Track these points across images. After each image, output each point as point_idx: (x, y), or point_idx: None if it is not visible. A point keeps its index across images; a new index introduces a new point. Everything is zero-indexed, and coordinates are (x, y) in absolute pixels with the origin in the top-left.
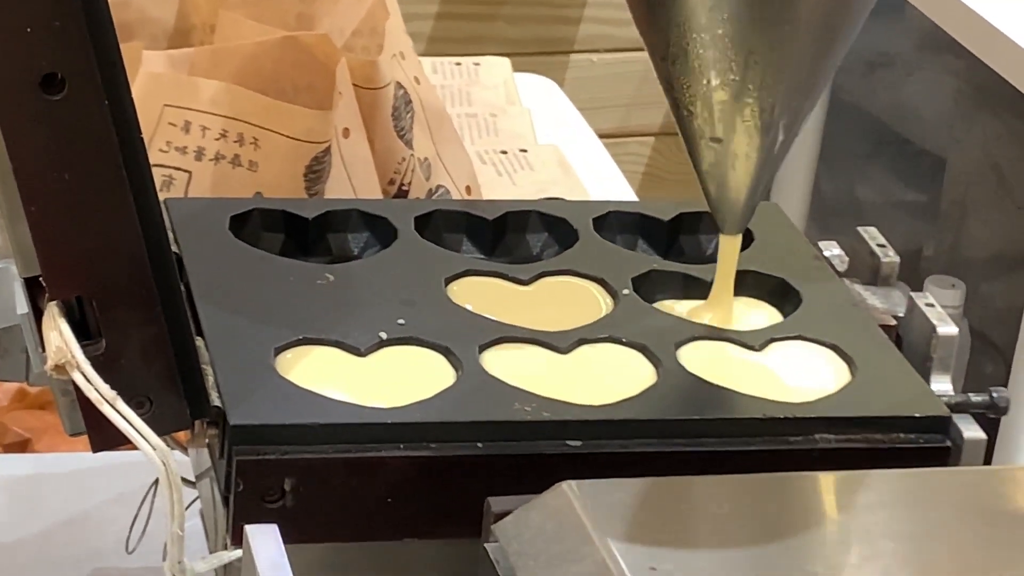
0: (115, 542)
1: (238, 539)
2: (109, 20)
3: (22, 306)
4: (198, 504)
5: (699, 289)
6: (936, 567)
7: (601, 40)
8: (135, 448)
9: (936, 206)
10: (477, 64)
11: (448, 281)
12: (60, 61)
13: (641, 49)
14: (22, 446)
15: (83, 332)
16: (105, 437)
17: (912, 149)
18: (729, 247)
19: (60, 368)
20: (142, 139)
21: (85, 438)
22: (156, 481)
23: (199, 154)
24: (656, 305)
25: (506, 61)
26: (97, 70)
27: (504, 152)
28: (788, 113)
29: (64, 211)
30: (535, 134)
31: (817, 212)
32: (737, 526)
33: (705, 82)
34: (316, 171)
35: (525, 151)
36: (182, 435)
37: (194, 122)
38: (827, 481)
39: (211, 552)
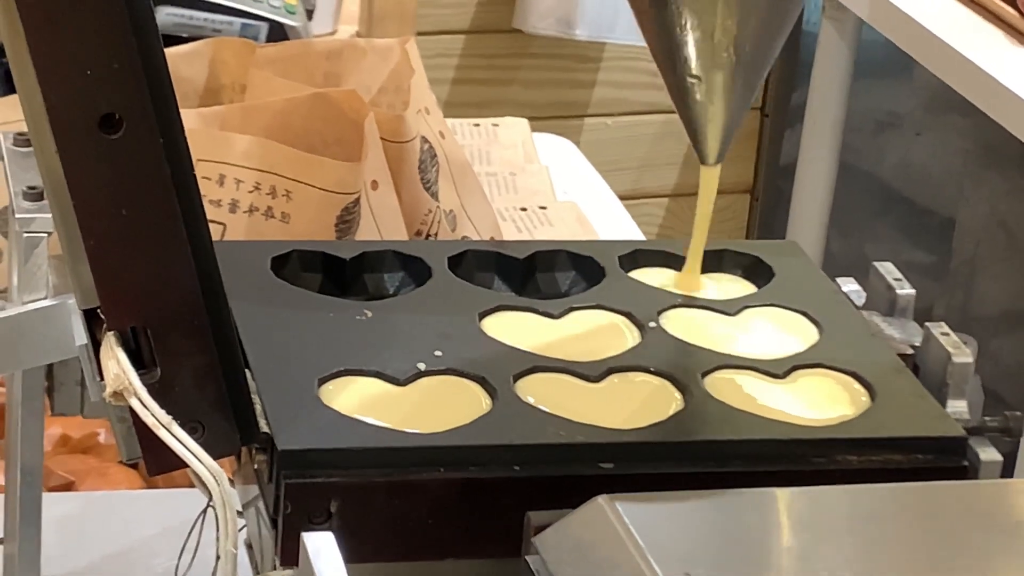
0: (161, 573)
1: (287, 560)
2: (164, 62)
3: (80, 337)
4: (243, 535)
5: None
6: (941, 570)
7: (615, 104)
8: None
9: (945, 265)
10: (496, 125)
11: (482, 316)
12: (118, 102)
13: (654, 112)
14: (66, 488)
15: (138, 362)
16: (160, 461)
17: (921, 208)
18: (709, 178)
19: (118, 395)
20: (195, 176)
21: (127, 479)
22: (204, 511)
23: (233, 206)
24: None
25: (524, 121)
26: (153, 110)
27: (524, 209)
28: (758, 50)
29: (121, 245)
30: (554, 191)
31: (828, 272)
32: (768, 536)
33: (684, 23)
34: (347, 221)
35: (544, 208)
36: (228, 468)
37: (228, 175)
38: (853, 494)
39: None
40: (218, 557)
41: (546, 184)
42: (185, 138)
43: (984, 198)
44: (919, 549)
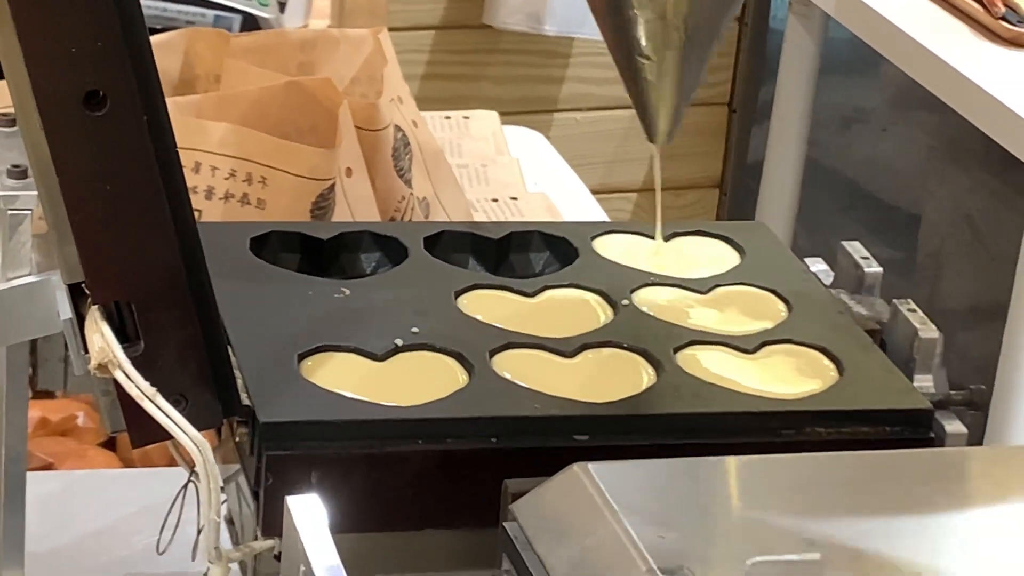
0: (142, 550)
1: (268, 532)
2: (147, 41)
3: (65, 312)
4: (224, 511)
5: None
6: (923, 539)
7: (584, 99)
8: (164, 454)
9: (911, 259)
10: (467, 118)
11: (458, 294)
12: (102, 79)
13: (623, 107)
14: (46, 469)
15: (122, 336)
16: (144, 432)
17: (887, 204)
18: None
19: (103, 367)
20: (177, 153)
21: (106, 460)
22: (184, 487)
23: (209, 193)
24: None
25: (494, 114)
26: (136, 88)
27: (495, 200)
28: (706, 30)
29: (106, 220)
30: (524, 183)
31: None
32: (740, 501)
33: (635, 2)
34: (322, 207)
35: (515, 199)
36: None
37: (204, 163)
38: (821, 460)
39: None
40: (200, 530)
41: (517, 176)
42: (168, 116)
43: (949, 194)
44: (887, 513)
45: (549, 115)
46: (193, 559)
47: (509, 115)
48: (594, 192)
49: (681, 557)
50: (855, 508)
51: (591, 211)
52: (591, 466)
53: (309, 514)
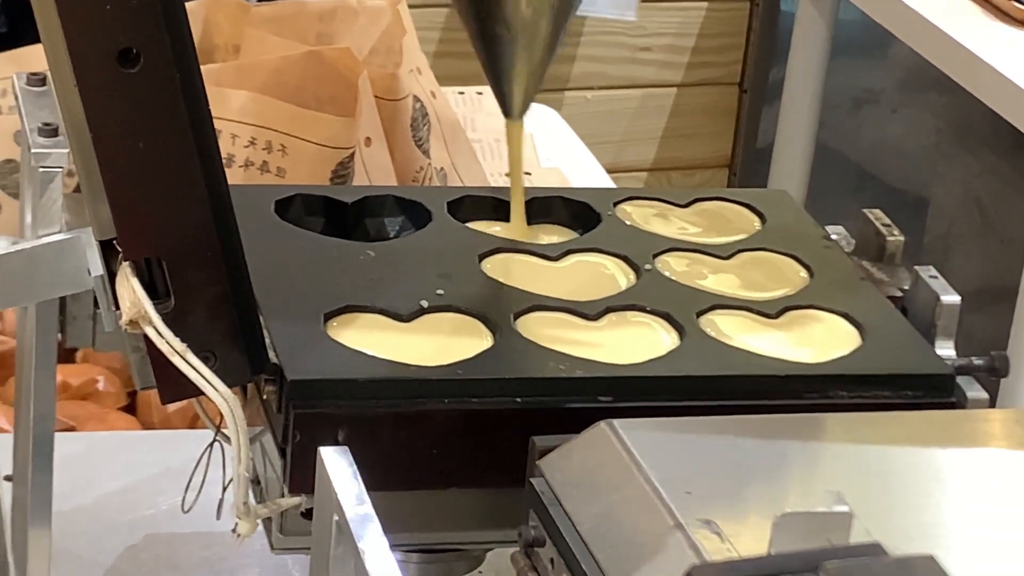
0: (166, 510)
1: (295, 488)
2: (181, 2)
3: (96, 268)
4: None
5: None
6: (948, 496)
7: (595, 78)
8: (185, 417)
9: (919, 242)
10: (480, 93)
11: (482, 257)
12: (136, 37)
13: (634, 87)
14: (67, 431)
15: (152, 292)
16: (174, 388)
17: (895, 186)
18: (515, 132)
19: (133, 323)
20: (210, 112)
21: (127, 424)
22: (209, 446)
23: (229, 161)
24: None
25: None
26: (170, 46)
27: (508, 175)
28: (548, 14)
29: (138, 177)
30: (538, 158)
31: None
32: (766, 459)
33: None
34: (341, 176)
35: (529, 174)
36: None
37: (224, 130)
38: (848, 421)
39: None
40: (225, 488)
41: (530, 151)
42: (200, 75)
43: (958, 176)
44: (910, 473)
45: (560, 94)
46: (218, 518)
47: None
48: (605, 171)
49: (708, 511)
50: (884, 467)
51: (604, 186)
52: (618, 423)
53: (341, 465)
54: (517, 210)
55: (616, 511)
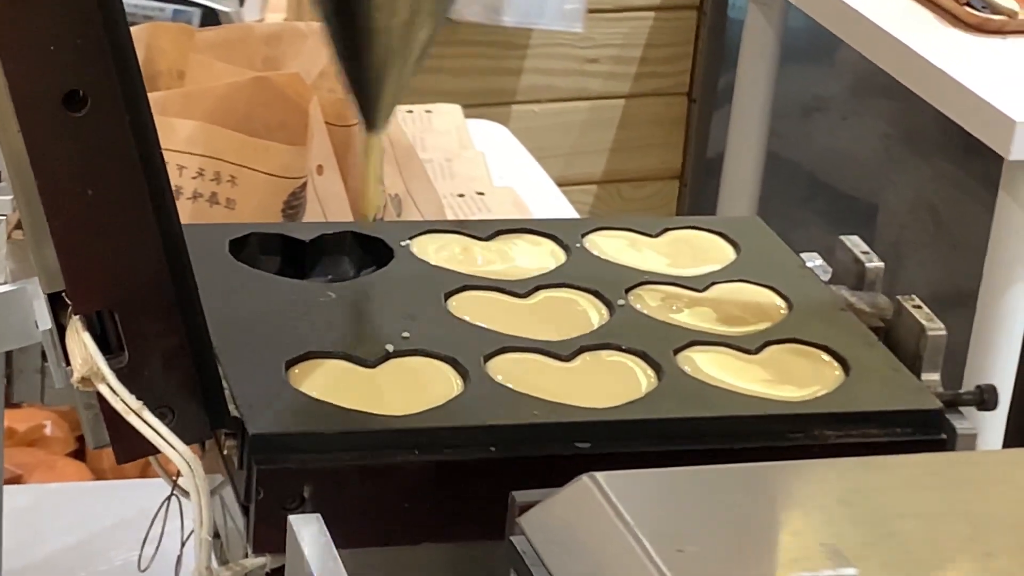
0: (121, 565)
1: (260, 547)
2: (129, 39)
3: (45, 322)
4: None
5: None
6: (949, 545)
7: (542, 91)
8: (137, 465)
9: (872, 250)
10: (429, 112)
11: (448, 296)
12: (82, 78)
13: (582, 99)
14: (14, 481)
15: (105, 346)
16: (130, 448)
17: (846, 193)
18: (375, 144)
19: (86, 380)
20: (162, 155)
21: (76, 471)
22: (167, 500)
23: (176, 193)
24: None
25: (457, 108)
26: (119, 87)
27: (461, 195)
28: (419, 21)
29: (87, 225)
30: (490, 177)
31: None
32: (759, 511)
33: None
34: (294, 207)
35: (482, 194)
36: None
37: (171, 161)
38: (840, 467)
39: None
40: (183, 543)
41: (482, 170)
42: (151, 116)
43: (910, 183)
44: (913, 519)
45: (507, 107)
46: (176, 574)
47: (467, 107)
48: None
49: (702, 572)
50: (881, 513)
51: (559, 205)
52: (601, 476)
53: (313, 533)
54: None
55: (603, 571)
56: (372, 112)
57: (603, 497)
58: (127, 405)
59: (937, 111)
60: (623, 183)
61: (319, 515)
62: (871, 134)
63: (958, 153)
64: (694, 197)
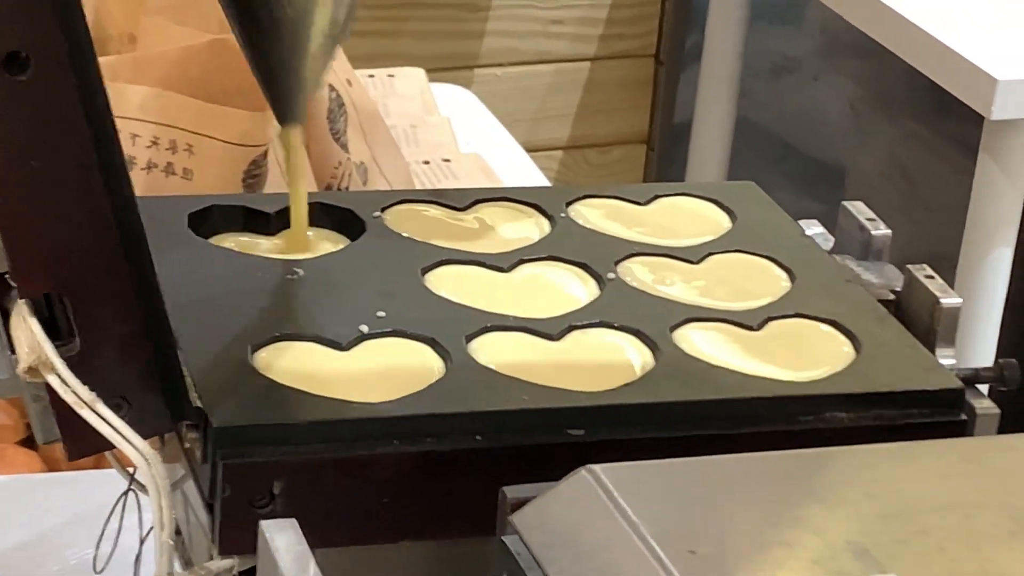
0: (76, 564)
1: (226, 548)
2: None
3: None
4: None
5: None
6: (990, 542)
7: (505, 54)
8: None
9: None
10: (391, 76)
11: (425, 271)
12: (24, 38)
13: (545, 61)
14: None
15: (54, 333)
16: (82, 443)
17: (818, 155)
18: (295, 138)
19: (33, 370)
20: (114, 125)
21: (27, 461)
22: (124, 495)
23: (129, 163)
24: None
25: (420, 71)
26: (65, 48)
27: (427, 162)
28: (317, 11)
29: (32, 201)
30: (457, 143)
31: None
32: (774, 505)
33: None
34: (255, 176)
35: (448, 160)
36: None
37: (123, 130)
38: (863, 455)
39: (187, 566)
40: (142, 540)
41: (448, 136)
42: (102, 81)
43: (882, 144)
44: (943, 513)
45: (470, 71)
46: (135, 574)
47: (430, 71)
48: None
49: (717, 574)
50: (913, 508)
51: (528, 172)
52: (601, 469)
53: (288, 540)
54: (299, 223)
55: (607, 575)
56: (281, 104)
57: (604, 492)
58: (79, 397)
59: (909, 70)
60: (589, 148)
61: (294, 520)
62: (842, 95)
63: (930, 113)
64: (662, 162)
